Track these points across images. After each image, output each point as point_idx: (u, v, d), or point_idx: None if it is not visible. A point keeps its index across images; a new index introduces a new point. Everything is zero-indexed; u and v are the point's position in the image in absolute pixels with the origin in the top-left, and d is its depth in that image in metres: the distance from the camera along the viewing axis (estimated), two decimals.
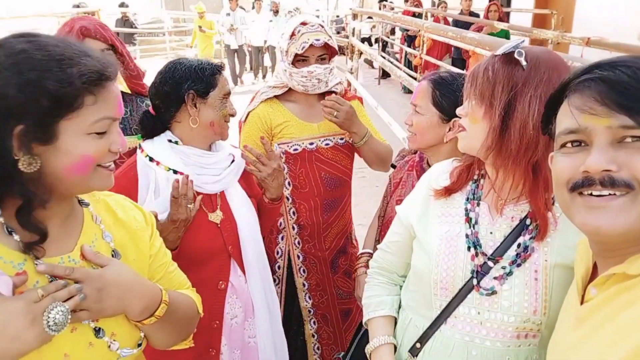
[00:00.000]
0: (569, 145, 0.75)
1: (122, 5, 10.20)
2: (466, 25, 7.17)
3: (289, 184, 2.04)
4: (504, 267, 1.07)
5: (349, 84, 5.58)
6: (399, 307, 1.31)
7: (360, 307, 1.58)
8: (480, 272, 1.08)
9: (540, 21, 7.93)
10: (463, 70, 4.85)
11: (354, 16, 6.21)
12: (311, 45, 1.86)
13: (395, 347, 1.24)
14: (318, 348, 2.23)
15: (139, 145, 1.54)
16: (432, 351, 1.14)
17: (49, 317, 0.79)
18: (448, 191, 1.18)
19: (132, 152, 1.61)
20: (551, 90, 0.84)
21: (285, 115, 2.01)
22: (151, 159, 1.50)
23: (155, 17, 14.86)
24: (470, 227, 1.12)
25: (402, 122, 1.92)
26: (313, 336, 2.21)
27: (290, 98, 2.03)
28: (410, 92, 4.81)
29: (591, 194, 0.71)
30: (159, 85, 1.51)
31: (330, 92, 2.04)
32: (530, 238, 1.07)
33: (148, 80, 1.83)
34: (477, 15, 8.09)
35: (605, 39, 3.51)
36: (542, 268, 1.05)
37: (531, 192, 1.04)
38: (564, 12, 6.81)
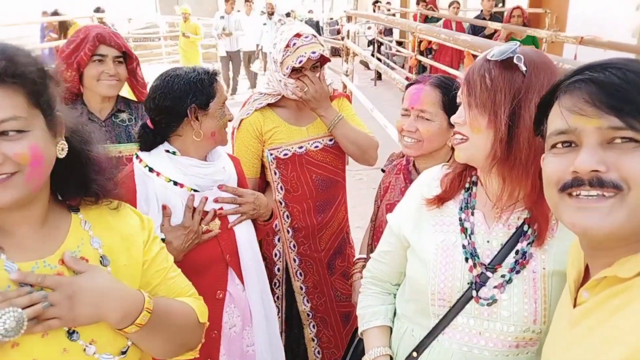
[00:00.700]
0: (559, 145, 0.76)
1: (97, 10, 9.33)
2: (483, 32, 6.65)
3: (281, 188, 2.06)
4: (503, 276, 1.06)
5: (344, 87, 5.58)
6: (394, 315, 1.30)
7: None
8: (478, 283, 1.07)
9: (534, 20, 7.93)
10: None
11: (348, 18, 6.21)
12: (309, 58, 1.89)
13: (392, 358, 1.23)
14: (319, 352, 2.23)
15: (136, 155, 1.53)
16: None
17: (1, 321, 0.78)
18: (440, 200, 1.16)
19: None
20: None
21: (274, 122, 2.03)
22: (151, 170, 1.49)
23: (150, 22, 14.86)
24: (466, 237, 1.10)
25: None
26: (313, 340, 2.22)
27: (281, 104, 2.06)
28: None
29: (580, 195, 0.72)
30: (159, 100, 1.48)
31: None
32: (528, 244, 1.06)
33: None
34: (500, 20, 7.16)
35: (599, 37, 3.52)
36: (541, 276, 1.04)
37: (538, 199, 1.01)
38: (558, 11, 6.83)
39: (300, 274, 2.15)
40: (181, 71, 1.52)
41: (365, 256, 1.78)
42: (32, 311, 0.82)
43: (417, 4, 9.87)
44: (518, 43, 1.03)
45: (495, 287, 1.06)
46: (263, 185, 2.15)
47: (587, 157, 0.70)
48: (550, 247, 1.05)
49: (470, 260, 1.08)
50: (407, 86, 1.60)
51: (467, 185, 1.15)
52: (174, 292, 1.10)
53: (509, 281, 1.05)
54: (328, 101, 1.99)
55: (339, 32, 13.53)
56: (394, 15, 10.86)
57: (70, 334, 0.89)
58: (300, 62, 1.89)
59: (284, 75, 1.92)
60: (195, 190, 1.52)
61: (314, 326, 2.21)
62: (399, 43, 11.58)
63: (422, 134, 1.51)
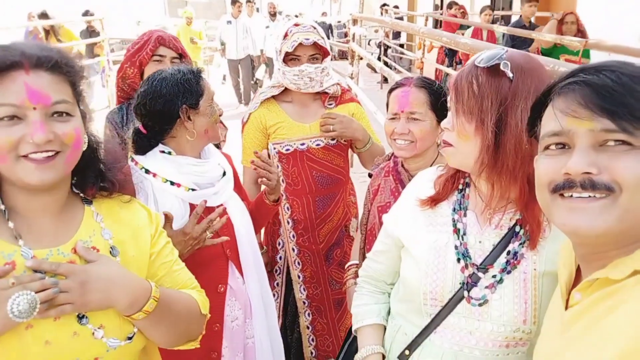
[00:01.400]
0: (552, 147, 0.76)
1: (86, 14, 8.80)
2: (524, 42, 5.52)
3: (282, 180, 2.13)
4: (494, 276, 1.06)
5: (350, 89, 5.59)
6: (388, 313, 1.31)
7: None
8: (470, 283, 1.07)
9: (541, 23, 7.90)
10: None
11: (354, 21, 6.22)
12: (301, 44, 1.96)
13: (384, 356, 1.24)
14: (312, 339, 2.30)
15: (131, 157, 1.54)
16: (420, 358, 1.14)
17: (12, 304, 0.82)
18: (434, 201, 1.18)
19: None
20: None
21: (279, 116, 2.11)
22: (147, 171, 1.51)
23: (159, 25, 14.97)
24: (458, 238, 1.11)
25: None
26: (308, 328, 2.29)
27: (287, 98, 2.13)
28: None
29: (572, 196, 0.72)
30: (150, 105, 1.49)
31: (325, 93, 2.12)
32: (520, 244, 1.07)
33: None
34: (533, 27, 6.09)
35: (604, 41, 3.50)
36: (531, 277, 1.05)
37: (528, 203, 1.03)
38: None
39: (299, 263, 2.23)
40: (166, 73, 1.53)
41: (357, 262, 1.79)
42: (44, 295, 0.86)
43: (449, 7, 8.74)
44: (506, 48, 1.03)
45: (486, 287, 1.06)
46: None
47: (580, 159, 0.70)
48: (542, 248, 1.06)
49: (462, 261, 1.09)
50: (390, 90, 1.62)
51: (460, 187, 1.16)
52: (178, 284, 1.14)
53: (500, 281, 1.06)
54: (357, 123, 2.08)
55: (346, 35, 13.54)
56: (401, 18, 10.84)
57: (80, 318, 0.94)
58: (293, 46, 1.96)
59: (283, 63, 2.00)
60: (192, 190, 1.53)
61: (309, 314, 2.28)
62: (402, 45, 11.58)
63: (415, 134, 1.53)
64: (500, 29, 6.06)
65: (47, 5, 7.63)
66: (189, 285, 1.18)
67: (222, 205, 1.60)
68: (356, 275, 1.53)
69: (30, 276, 0.88)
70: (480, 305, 1.06)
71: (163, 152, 1.54)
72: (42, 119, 0.89)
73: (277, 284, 2.31)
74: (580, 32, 5.05)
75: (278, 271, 2.29)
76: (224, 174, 1.65)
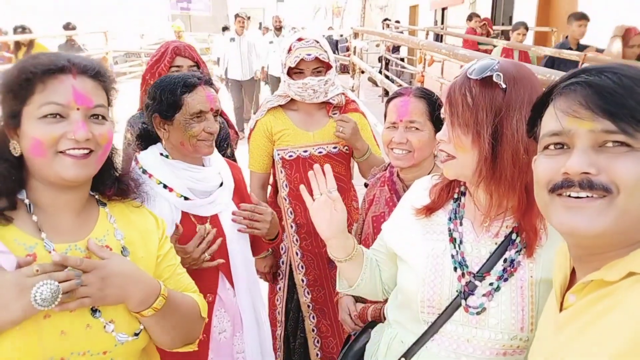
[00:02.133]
0: (551, 147, 0.77)
1: (67, 27, 8.67)
2: (568, 67, 3.67)
3: (286, 185, 2.21)
4: (491, 284, 1.07)
5: (354, 100, 5.63)
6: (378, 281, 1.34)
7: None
8: (466, 292, 1.08)
9: (541, 39, 7.96)
10: None
11: (355, 35, 6.28)
12: (303, 59, 2.02)
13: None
14: (318, 341, 2.32)
15: (135, 157, 1.57)
16: None
17: (36, 292, 0.87)
18: (429, 210, 1.18)
19: None
20: None
21: (284, 124, 2.18)
22: (144, 171, 1.52)
23: (162, 38, 15.12)
24: (455, 247, 1.11)
25: None
26: (313, 330, 2.31)
27: (293, 107, 2.21)
28: None
29: (570, 195, 0.73)
30: (146, 103, 1.55)
31: (329, 102, 2.18)
32: (517, 252, 1.07)
33: None
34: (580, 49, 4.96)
35: (602, 55, 3.52)
36: (528, 284, 1.05)
37: (526, 211, 1.03)
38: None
39: (302, 267, 2.26)
40: (164, 78, 1.56)
41: None
42: (67, 285, 0.91)
43: (469, 19, 8.08)
44: (497, 59, 1.03)
45: (483, 295, 1.06)
46: (274, 183, 2.33)
47: (579, 159, 0.70)
48: (538, 256, 1.06)
49: (458, 270, 1.09)
50: (388, 100, 1.62)
51: (455, 196, 1.17)
52: (180, 286, 1.20)
53: (497, 289, 1.06)
54: (360, 135, 2.14)
55: (348, 49, 13.64)
56: (401, 32, 10.92)
57: (94, 311, 1.00)
58: (295, 62, 2.04)
59: (287, 76, 2.09)
60: (186, 198, 1.53)
61: (313, 317, 2.30)
62: (402, 59, 11.63)
63: (413, 144, 1.53)
64: (541, 50, 4.99)
65: (45, 17, 7.58)
66: (190, 289, 1.23)
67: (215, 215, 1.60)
68: None
69: (53, 265, 0.92)
70: (477, 313, 1.06)
71: (162, 154, 1.56)
72: (83, 119, 0.99)
73: (280, 289, 2.34)
74: None
75: (280, 275, 2.33)
76: (222, 184, 1.64)
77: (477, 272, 1.08)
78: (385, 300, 1.38)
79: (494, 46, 6.27)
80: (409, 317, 1.18)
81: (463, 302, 1.07)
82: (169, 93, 1.49)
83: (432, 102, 1.54)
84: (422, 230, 1.18)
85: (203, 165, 1.62)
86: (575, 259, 0.82)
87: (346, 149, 2.19)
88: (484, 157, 1.01)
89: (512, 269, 1.06)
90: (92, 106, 1.00)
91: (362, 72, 6.22)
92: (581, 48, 5.05)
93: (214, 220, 1.60)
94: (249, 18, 8.06)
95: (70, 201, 1.04)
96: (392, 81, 8.78)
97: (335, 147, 2.18)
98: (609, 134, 0.69)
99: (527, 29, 6.28)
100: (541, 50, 4.81)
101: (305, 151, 2.17)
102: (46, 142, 0.96)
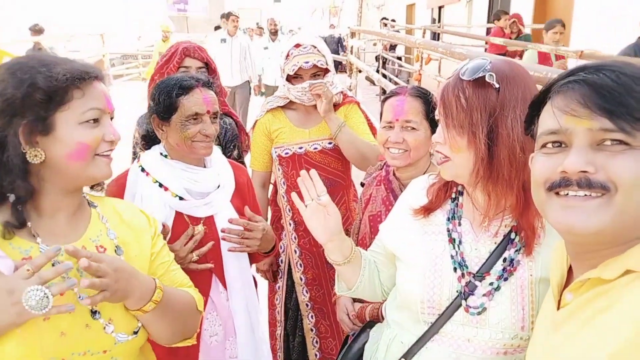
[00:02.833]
0: (549, 145, 0.76)
1: (35, 28, 7.97)
2: None
3: (283, 183, 2.25)
4: (491, 283, 1.06)
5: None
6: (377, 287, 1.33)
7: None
8: (467, 292, 1.07)
9: (538, 35, 7.96)
10: None
11: (352, 34, 6.28)
12: (301, 67, 2.04)
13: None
14: (316, 342, 2.32)
15: (138, 156, 1.61)
16: None
17: (24, 299, 0.85)
18: (427, 210, 1.17)
19: None
20: (527, 106, 0.85)
21: (281, 122, 2.23)
22: (143, 170, 1.54)
23: (159, 40, 15.11)
24: (454, 247, 1.11)
25: None
26: (312, 330, 2.31)
27: (292, 107, 2.24)
28: None
29: (567, 194, 0.72)
30: (148, 104, 1.57)
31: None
32: (516, 251, 1.06)
33: None
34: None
35: (598, 51, 3.52)
36: (528, 283, 1.05)
37: (524, 210, 1.03)
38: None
39: (300, 265, 2.27)
40: (165, 79, 1.56)
41: None
42: (58, 289, 0.87)
43: (497, 18, 6.94)
44: (489, 58, 1.03)
45: (484, 295, 1.06)
46: (275, 182, 2.34)
47: (577, 158, 0.70)
48: (537, 254, 1.06)
49: (458, 270, 1.09)
50: (384, 99, 1.62)
51: (453, 196, 1.16)
52: (175, 282, 1.21)
53: (497, 289, 1.06)
54: (333, 112, 2.13)
55: (345, 48, 13.61)
56: (397, 31, 10.93)
57: (93, 313, 1.00)
58: (293, 70, 2.06)
59: (286, 81, 2.13)
60: (181, 198, 1.53)
61: (312, 317, 2.30)
62: (400, 58, 11.64)
63: (409, 143, 1.53)
64: (597, 55, 3.62)
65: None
66: (185, 284, 1.24)
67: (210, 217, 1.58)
68: None
69: (45, 259, 0.90)
70: (478, 313, 1.06)
71: (161, 154, 1.57)
72: (110, 122, 1.06)
73: (279, 288, 2.35)
74: None
75: (280, 274, 2.34)
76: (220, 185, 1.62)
77: (477, 272, 1.07)
78: (384, 300, 1.37)
79: (524, 49, 5.24)
80: (408, 318, 1.18)
81: (463, 302, 1.07)
82: (166, 95, 1.50)
83: (428, 102, 1.54)
84: (421, 230, 1.17)
85: (205, 166, 1.61)
86: (572, 257, 0.81)
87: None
88: (481, 158, 1.00)
89: (511, 268, 1.06)
90: (113, 109, 1.07)
91: (360, 71, 6.22)
92: None
93: (209, 221, 1.58)
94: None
95: (70, 204, 1.04)
96: (390, 80, 8.80)
97: (330, 143, 2.18)
98: (607, 132, 0.69)
99: (564, 26, 5.07)
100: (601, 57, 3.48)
101: (300, 148, 2.20)
102: (93, 145, 1.00)
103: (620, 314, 0.67)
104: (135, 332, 1.06)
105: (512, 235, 1.07)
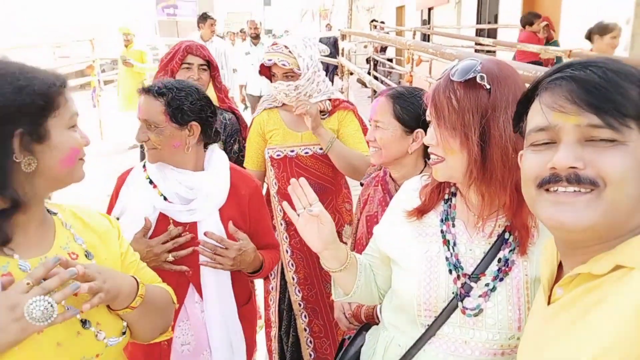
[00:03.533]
0: (538, 142, 0.77)
1: None
2: None
3: (275, 183, 2.28)
4: (487, 284, 1.06)
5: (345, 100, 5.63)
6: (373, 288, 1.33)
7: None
8: (462, 294, 1.07)
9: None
10: None
11: (342, 37, 6.29)
12: (263, 63, 2.14)
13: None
14: (310, 342, 2.33)
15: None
16: None
17: (26, 312, 0.83)
18: (420, 212, 1.17)
19: None
20: None
21: (276, 123, 2.25)
22: (144, 166, 1.60)
23: (150, 44, 15.04)
24: (449, 249, 1.10)
25: None
26: (305, 330, 2.32)
27: (287, 107, 2.24)
28: None
29: (557, 190, 0.73)
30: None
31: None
32: (510, 251, 1.07)
33: None
34: None
35: (587, 50, 3.55)
36: (523, 283, 1.05)
37: (517, 210, 1.03)
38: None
39: (292, 264, 2.29)
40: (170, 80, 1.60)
41: None
42: (61, 295, 0.87)
43: (528, 23, 5.86)
44: (479, 61, 1.02)
45: (480, 296, 1.06)
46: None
47: (566, 154, 0.71)
48: (532, 254, 1.06)
49: (454, 272, 1.09)
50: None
51: (446, 197, 1.16)
52: (146, 280, 1.21)
53: (493, 289, 1.05)
54: (322, 125, 2.13)
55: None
56: (387, 33, 10.96)
57: (83, 323, 1.00)
58: (259, 64, 2.17)
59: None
60: (165, 198, 1.54)
61: (305, 316, 2.31)
62: (390, 60, 11.67)
63: (378, 142, 1.57)
64: (586, 54, 3.64)
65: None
66: (155, 281, 1.26)
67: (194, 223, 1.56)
68: None
69: (43, 270, 0.89)
70: (475, 315, 1.06)
71: None
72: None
73: (272, 288, 2.36)
74: None
75: (272, 275, 2.35)
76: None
77: (472, 273, 1.07)
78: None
79: (558, 57, 4.34)
80: (405, 320, 1.17)
81: (460, 304, 1.07)
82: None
83: (401, 102, 1.54)
84: (415, 232, 1.17)
85: (203, 169, 1.59)
86: (562, 253, 0.82)
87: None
88: (474, 159, 1.00)
89: (506, 269, 1.06)
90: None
91: (351, 73, 6.23)
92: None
93: (192, 228, 1.55)
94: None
95: (38, 212, 1.00)
96: (381, 82, 8.81)
97: (321, 149, 2.19)
98: (594, 128, 0.70)
99: (620, 29, 4.29)
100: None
101: (292, 151, 2.23)
102: (81, 149, 1.02)
103: (610, 309, 0.67)
104: (124, 333, 1.07)
105: (506, 235, 1.07)
